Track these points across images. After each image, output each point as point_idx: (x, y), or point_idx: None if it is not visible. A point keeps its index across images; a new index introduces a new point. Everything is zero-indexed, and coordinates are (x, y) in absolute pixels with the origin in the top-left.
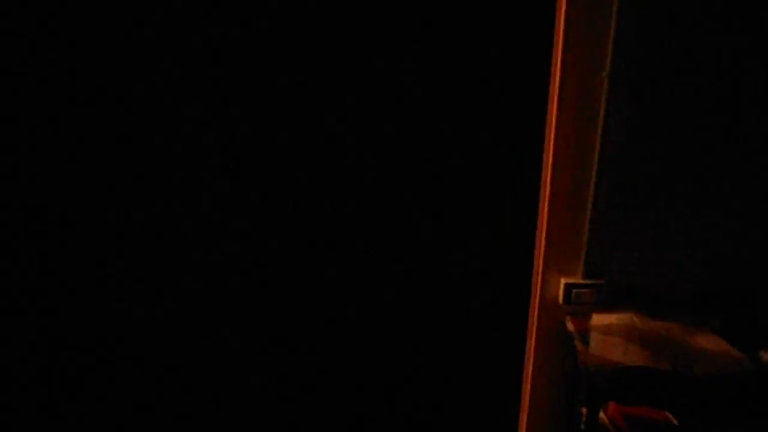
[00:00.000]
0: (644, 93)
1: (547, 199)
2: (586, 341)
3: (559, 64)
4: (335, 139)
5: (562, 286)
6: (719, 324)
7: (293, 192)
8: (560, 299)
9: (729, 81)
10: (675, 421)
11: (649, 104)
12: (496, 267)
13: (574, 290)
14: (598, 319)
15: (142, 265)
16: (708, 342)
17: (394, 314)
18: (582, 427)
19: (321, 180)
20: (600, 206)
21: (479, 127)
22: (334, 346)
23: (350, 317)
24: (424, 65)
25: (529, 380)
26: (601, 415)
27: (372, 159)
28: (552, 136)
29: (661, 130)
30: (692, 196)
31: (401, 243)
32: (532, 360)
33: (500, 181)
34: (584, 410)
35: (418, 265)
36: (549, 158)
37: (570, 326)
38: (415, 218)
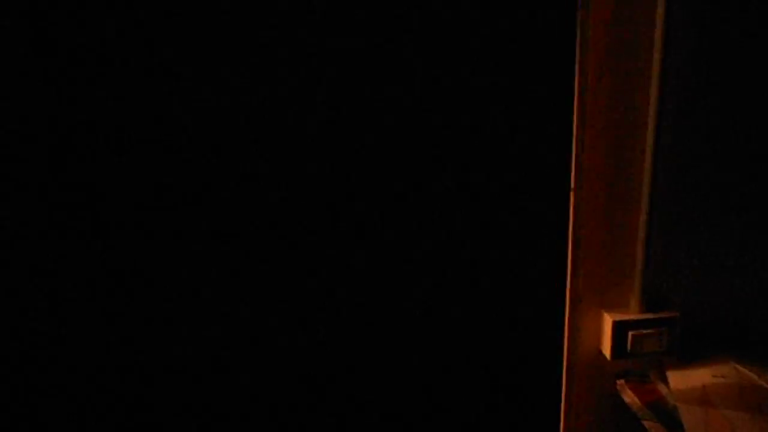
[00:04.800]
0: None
1: (574, 182)
2: (670, 422)
3: None
4: None
5: (608, 328)
6: None
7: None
8: (607, 351)
9: None
10: None
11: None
12: (496, 305)
13: (630, 333)
14: (679, 381)
15: None
16: None
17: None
18: None
19: None
20: (661, 196)
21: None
22: None
23: None
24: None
25: None
26: None
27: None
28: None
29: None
30: None
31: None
32: None
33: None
34: None
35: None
36: (575, 120)
37: (629, 398)
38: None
